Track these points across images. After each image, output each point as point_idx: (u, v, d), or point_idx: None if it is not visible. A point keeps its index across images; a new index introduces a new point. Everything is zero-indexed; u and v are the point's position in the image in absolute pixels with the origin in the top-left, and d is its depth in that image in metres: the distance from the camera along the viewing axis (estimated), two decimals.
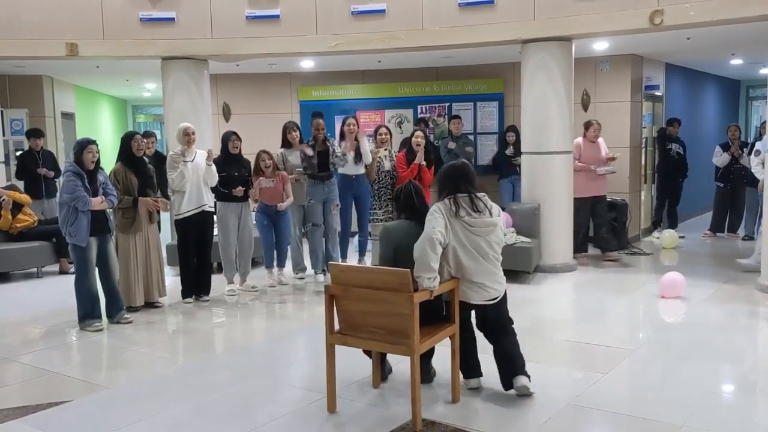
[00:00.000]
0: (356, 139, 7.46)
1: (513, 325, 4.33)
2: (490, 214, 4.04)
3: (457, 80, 10.39)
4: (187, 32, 8.42)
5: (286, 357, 5.22)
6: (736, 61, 11.12)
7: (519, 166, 9.23)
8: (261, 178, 7.24)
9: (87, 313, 5.92)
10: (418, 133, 7.42)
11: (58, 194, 9.59)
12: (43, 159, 9.26)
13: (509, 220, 7.71)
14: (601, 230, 8.57)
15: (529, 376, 4.14)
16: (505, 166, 9.47)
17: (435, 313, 4.05)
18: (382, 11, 8.15)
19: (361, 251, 7.88)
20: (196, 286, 6.88)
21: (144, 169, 6.45)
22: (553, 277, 7.64)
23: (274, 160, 7.39)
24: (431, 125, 10.33)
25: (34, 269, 8.41)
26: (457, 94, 10.39)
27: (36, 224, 8.46)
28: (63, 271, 8.52)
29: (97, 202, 5.78)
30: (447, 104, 10.47)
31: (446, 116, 10.42)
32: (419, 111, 10.54)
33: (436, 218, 3.95)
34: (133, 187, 6.29)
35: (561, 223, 7.94)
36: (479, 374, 4.30)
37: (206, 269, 6.97)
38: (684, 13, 6.82)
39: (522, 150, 8.14)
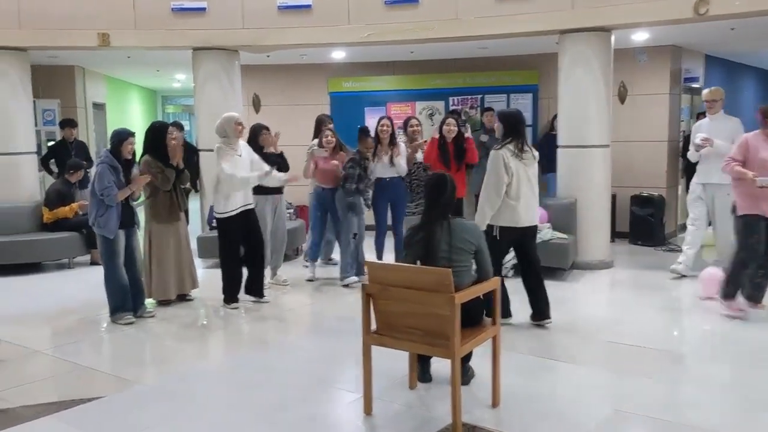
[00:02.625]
0: (391, 143, 7.20)
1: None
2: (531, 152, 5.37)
3: (490, 71, 10.19)
4: (218, 23, 8.36)
5: (321, 355, 5.12)
6: None
7: None
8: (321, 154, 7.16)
9: (118, 305, 5.88)
10: (450, 120, 7.17)
11: (89, 184, 9.69)
12: (75, 149, 9.27)
13: (544, 216, 7.53)
14: (758, 272, 5.72)
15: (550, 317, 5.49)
16: (553, 158, 9.10)
17: (473, 314, 3.91)
18: (416, 1, 8.01)
19: (399, 254, 7.49)
20: (250, 288, 6.56)
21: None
22: (589, 275, 7.45)
23: (338, 138, 7.31)
24: (463, 117, 10.14)
25: (66, 260, 8.43)
26: (490, 86, 10.20)
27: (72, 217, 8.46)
28: (94, 262, 8.52)
29: (123, 193, 5.74)
30: (479, 96, 10.29)
31: (478, 108, 10.24)
32: (451, 103, 10.37)
33: (499, 165, 5.22)
34: (168, 178, 6.20)
35: (598, 218, 7.74)
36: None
37: (260, 270, 6.60)
38: (730, 2, 6.58)
39: (558, 143, 7.94)
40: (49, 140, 10.12)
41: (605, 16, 7.27)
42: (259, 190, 6.93)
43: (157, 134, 6.25)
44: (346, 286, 7.02)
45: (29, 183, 8.68)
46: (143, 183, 5.92)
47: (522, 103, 10.12)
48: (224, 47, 8.54)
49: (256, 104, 10.88)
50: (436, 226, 3.95)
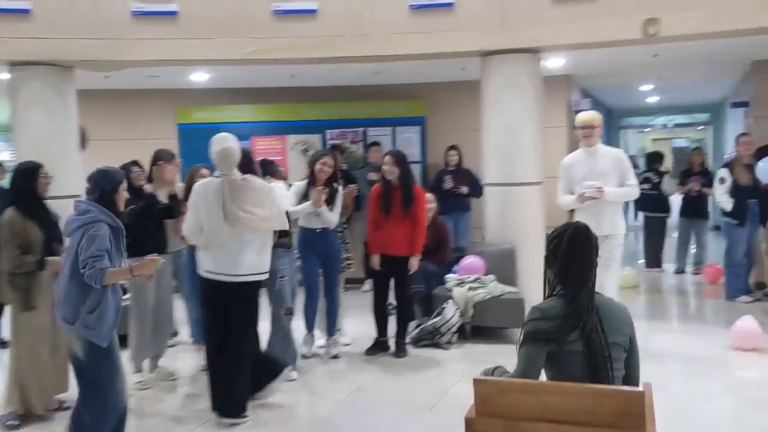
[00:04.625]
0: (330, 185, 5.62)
1: None
2: None
3: (373, 101, 8.97)
4: (48, 29, 6.25)
5: None
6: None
7: (465, 197, 8.02)
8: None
9: None
10: (388, 158, 5.70)
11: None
12: None
13: (481, 266, 6.39)
14: None
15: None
16: (447, 199, 7.99)
17: None
18: (313, 11, 6.58)
19: (330, 328, 5.86)
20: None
21: (48, 215, 4.38)
22: None
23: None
24: (345, 153, 8.78)
25: None
26: (374, 118, 8.97)
27: None
28: None
29: (118, 275, 3.62)
30: (361, 129, 9.02)
31: (361, 143, 8.98)
32: (329, 136, 8.99)
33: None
34: (36, 244, 4.19)
35: (536, 266, 6.75)
36: None
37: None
38: (684, 22, 5.97)
39: (487, 181, 6.88)
40: None
41: (541, 36, 6.38)
42: (137, 250, 5.04)
43: (22, 177, 4.37)
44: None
45: None
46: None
47: (408, 137, 9.02)
48: (56, 62, 6.42)
49: (82, 139, 8.62)
50: (591, 316, 2.53)
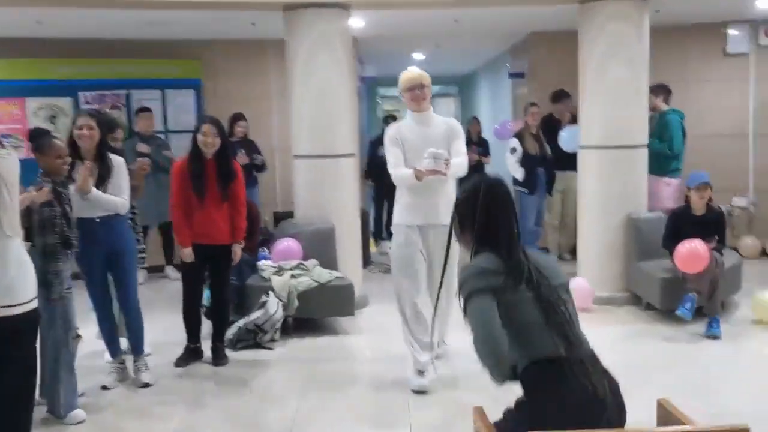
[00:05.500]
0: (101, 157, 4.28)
1: None
2: None
3: (136, 59, 7.58)
4: None
5: None
6: None
7: (259, 167, 7.28)
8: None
9: None
10: (206, 127, 4.60)
11: None
12: None
13: (298, 249, 5.65)
14: None
15: None
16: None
17: None
18: None
19: (137, 346, 4.55)
20: None
21: None
22: (369, 317, 5.86)
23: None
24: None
25: None
26: (139, 78, 7.60)
27: None
28: None
29: None
30: (124, 92, 7.60)
31: (125, 109, 7.59)
32: (82, 100, 7.44)
33: None
34: None
35: (352, 245, 6.19)
36: None
37: None
38: None
39: (296, 153, 6.09)
40: None
41: None
42: None
43: None
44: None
45: None
46: None
47: (181, 103, 7.82)
48: None
49: None
50: (530, 264, 2.30)
